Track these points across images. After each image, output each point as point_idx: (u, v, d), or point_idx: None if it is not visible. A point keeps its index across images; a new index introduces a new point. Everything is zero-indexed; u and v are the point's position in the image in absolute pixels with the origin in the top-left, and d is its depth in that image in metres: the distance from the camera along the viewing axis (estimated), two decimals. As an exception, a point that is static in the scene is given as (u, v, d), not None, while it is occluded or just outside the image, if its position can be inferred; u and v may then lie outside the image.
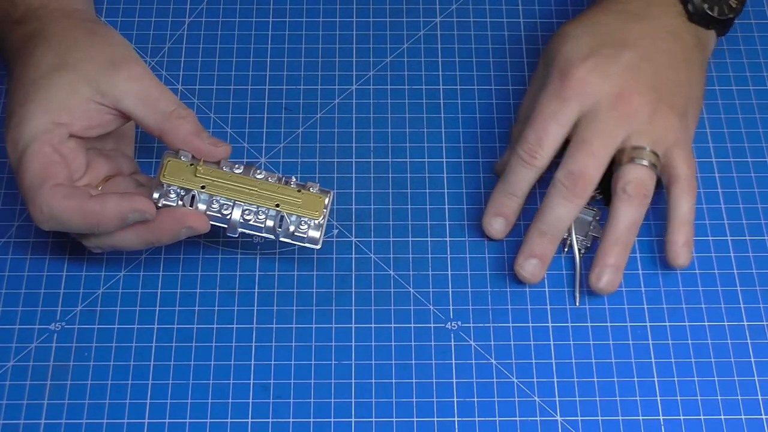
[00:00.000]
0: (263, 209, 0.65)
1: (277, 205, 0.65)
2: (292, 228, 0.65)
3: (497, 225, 0.70)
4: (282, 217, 0.65)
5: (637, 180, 0.67)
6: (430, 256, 0.70)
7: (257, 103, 0.76)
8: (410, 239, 0.71)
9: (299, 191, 0.65)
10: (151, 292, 0.68)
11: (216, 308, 0.68)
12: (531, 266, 0.68)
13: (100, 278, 0.69)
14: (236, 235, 0.66)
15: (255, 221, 0.65)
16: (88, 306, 0.68)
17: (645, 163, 0.67)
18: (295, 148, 0.74)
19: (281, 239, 0.65)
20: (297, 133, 0.75)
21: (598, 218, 0.71)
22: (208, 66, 0.78)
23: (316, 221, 0.65)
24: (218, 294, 0.68)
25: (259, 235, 0.66)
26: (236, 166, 0.65)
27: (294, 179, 0.66)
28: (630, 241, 0.67)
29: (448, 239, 0.71)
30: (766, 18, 0.82)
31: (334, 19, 0.81)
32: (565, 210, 0.67)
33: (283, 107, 0.76)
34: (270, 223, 0.65)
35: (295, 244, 0.66)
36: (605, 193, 0.72)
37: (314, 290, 0.69)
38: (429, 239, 0.71)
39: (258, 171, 0.66)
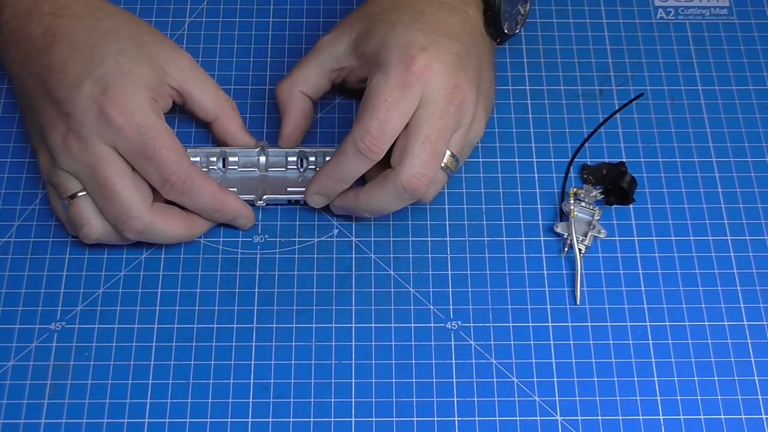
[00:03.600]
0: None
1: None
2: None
3: (318, 200, 0.70)
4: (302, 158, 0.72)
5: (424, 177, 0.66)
6: (430, 255, 0.70)
7: (257, 103, 0.76)
8: (410, 239, 0.71)
9: None
10: (151, 291, 0.68)
11: (216, 308, 0.68)
12: (318, 199, 0.70)
13: (100, 278, 0.69)
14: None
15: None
16: (89, 306, 0.68)
17: (446, 171, 0.67)
18: (295, 148, 0.74)
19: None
20: (297, 133, 0.75)
21: (598, 218, 0.71)
22: (208, 66, 0.78)
23: None
24: (218, 294, 0.68)
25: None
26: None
27: None
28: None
29: (448, 239, 0.71)
30: (766, 18, 0.82)
31: (334, 20, 0.81)
32: (362, 168, 0.66)
33: (283, 107, 0.76)
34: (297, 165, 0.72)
35: None
36: (606, 193, 0.72)
37: (314, 290, 0.69)
38: (429, 239, 0.71)
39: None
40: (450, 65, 0.66)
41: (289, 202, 0.71)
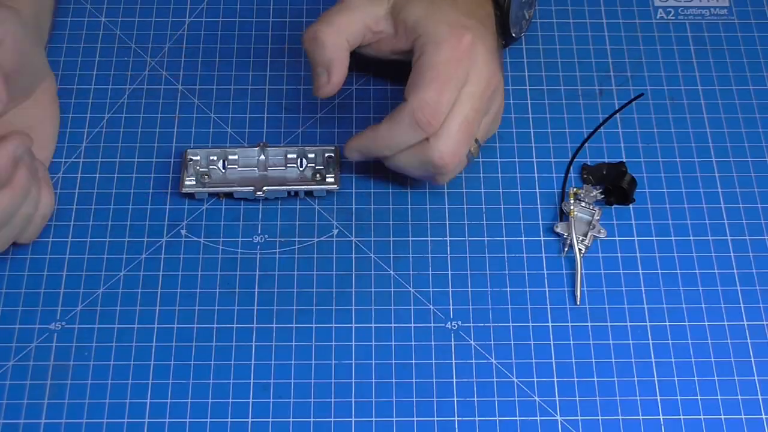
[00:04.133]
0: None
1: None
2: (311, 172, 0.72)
3: (356, 156, 0.69)
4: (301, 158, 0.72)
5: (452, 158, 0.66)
6: (430, 256, 0.70)
7: (257, 103, 0.76)
8: (410, 239, 0.71)
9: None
10: (151, 291, 0.68)
11: (216, 308, 0.68)
12: (357, 154, 0.69)
13: (100, 278, 0.69)
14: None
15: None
16: (88, 305, 0.68)
17: (467, 156, 0.68)
18: (295, 148, 0.74)
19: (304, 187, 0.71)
20: (297, 133, 0.75)
21: (598, 218, 0.71)
22: (208, 66, 0.78)
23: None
24: (218, 294, 0.68)
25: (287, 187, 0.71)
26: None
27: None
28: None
29: (448, 239, 0.71)
30: (766, 18, 0.82)
31: (334, 19, 0.81)
32: (413, 139, 0.66)
33: (283, 107, 0.76)
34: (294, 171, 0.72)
35: (317, 188, 0.71)
36: (606, 193, 0.72)
37: (314, 290, 0.69)
38: (429, 239, 0.71)
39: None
40: (489, 51, 0.67)
41: (289, 194, 0.71)
